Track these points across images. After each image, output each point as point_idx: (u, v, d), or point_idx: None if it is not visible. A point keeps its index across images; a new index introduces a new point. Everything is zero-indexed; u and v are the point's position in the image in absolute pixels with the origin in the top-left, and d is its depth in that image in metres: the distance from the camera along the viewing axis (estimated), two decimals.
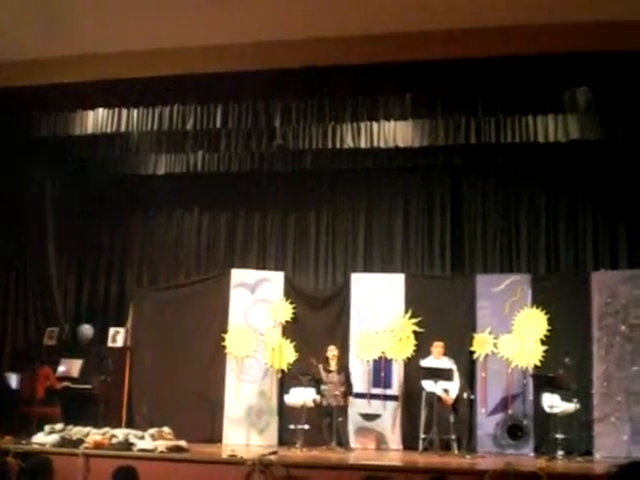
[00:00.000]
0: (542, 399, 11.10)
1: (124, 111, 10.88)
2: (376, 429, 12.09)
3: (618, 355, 11.38)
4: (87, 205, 13.90)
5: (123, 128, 10.98)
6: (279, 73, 9.67)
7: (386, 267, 13.16)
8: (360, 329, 12.46)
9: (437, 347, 11.64)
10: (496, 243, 13.00)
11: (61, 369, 12.30)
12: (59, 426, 10.28)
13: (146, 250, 14.14)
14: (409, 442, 11.80)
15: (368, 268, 13.21)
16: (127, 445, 9.71)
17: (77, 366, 12.34)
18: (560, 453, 10.51)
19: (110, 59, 9.77)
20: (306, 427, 11.16)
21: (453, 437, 11.01)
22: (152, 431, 10.10)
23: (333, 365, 11.77)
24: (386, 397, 12.15)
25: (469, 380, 11.89)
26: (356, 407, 12.05)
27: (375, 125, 11.22)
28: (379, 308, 12.46)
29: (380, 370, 12.24)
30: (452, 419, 11.08)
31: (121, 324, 13.09)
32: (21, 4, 8.74)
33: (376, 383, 12.22)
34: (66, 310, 13.49)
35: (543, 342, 11.80)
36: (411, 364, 12.13)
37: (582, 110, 10.14)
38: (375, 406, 12.15)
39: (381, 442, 12.03)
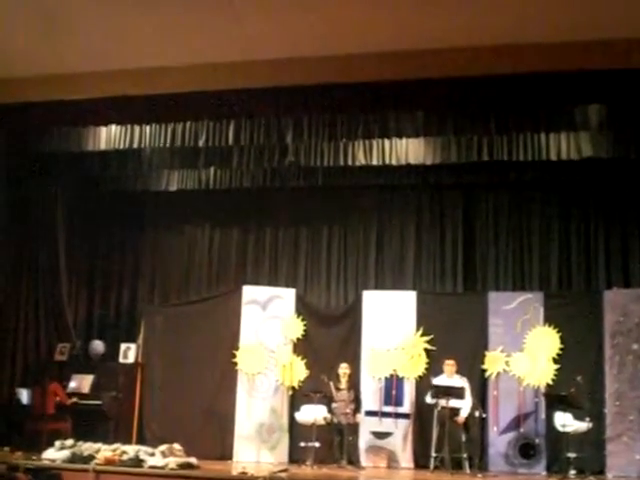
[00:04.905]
0: (554, 418, 11.06)
1: (137, 128, 10.93)
2: (387, 447, 12.02)
3: (630, 374, 11.31)
4: (99, 221, 13.91)
5: (136, 144, 11.03)
6: (291, 90, 9.70)
7: (398, 284, 13.11)
8: (371, 347, 12.41)
9: (448, 365, 11.59)
10: (508, 261, 12.96)
11: (72, 385, 12.28)
12: (70, 442, 10.27)
13: (157, 266, 14.15)
14: (420, 460, 11.73)
15: (380, 285, 13.17)
16: (138, 462, 9.70)
17: (88, 382, 12.31)
18: (572, 472, 10.46)
19: (123, 76, 9.83)
20: (317, 445, 11.13)
21: (465, 456, 10.93)
22: (163, 448, 10.09)
23: (344, 383, 11.74)
24: (397, 415, 12.09)
25: (481, 398, 11.83)
26: (367, 425, 11.99)
27: (387, 142, 11.22)
28: (390, 326, 12.40)
29: (392, 388, 12.19)
30: (464, 438, 11.00)
31: (132, 340, 13.08)
32: (34, 21, 8.79)
33: (387, 401, 12.17)
34: (77, 326, 13.47)
35: (555, 360, 11.74)
36: (423, 382, 12.05)
37: (595, 128, 10.13)
38: (386, 424, 12.08)
39: (392, 460, 11.96)
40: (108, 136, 11.09)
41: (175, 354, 12.71)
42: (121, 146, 11.05)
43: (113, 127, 11.00)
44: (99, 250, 14.07)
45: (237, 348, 12.56)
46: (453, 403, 11.10)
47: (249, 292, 12.91)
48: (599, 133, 10.53)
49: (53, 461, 9.72)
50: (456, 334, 12.19)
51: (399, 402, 12.15)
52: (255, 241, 13.95)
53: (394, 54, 9.06)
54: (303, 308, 13.00)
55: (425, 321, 12.32)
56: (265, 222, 13.94)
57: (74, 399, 11.95)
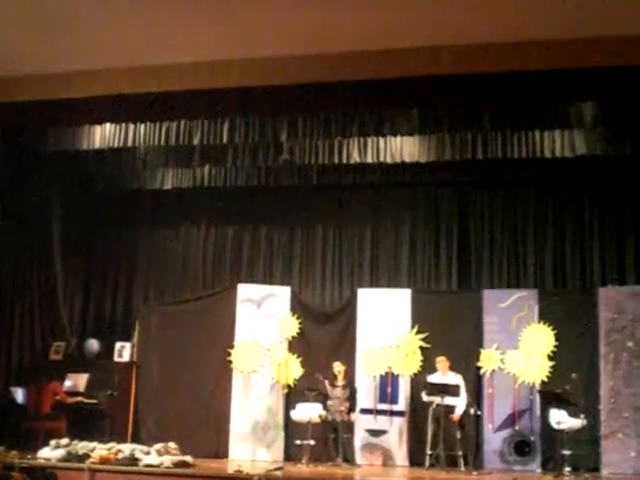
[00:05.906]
0: (549, 415, 11.04)
1: (131, 126, 10.91)
2: (382, 445, 12.02)
3: (625, 371, 11.34)
4: (94, 220, 13.89)
5: (130, 143, 11.01)
6: (285, 88, 9.68)
7: (392, 282, 13.13)
8: (366, 344, 12.41)
9: (440, 362, 11.60)
10: (503, 258, 12.98)
11: (67, 384, 12.26)
12: (65, 441, 10.24)
13: (152, 265, 14.12)
14: (415, 458, 11.74)
15: (374, 283, 13.19)
16: (133, 460, 9.68)
17: (83, 381, 12.31)
18: (567, 469, 10.43)
19: (117, 74, 9.80)
20: (312, 442, 11.15)
21: (460, 453, 10.93)
22: (158, 446, 10.07)
23: (340, 380, 11.74)
24: (392, 413, 12.10)
25: (476, 396, 11.84)
26: (362, 423, 12.01)
27: (382, 140, 11.25)
28: (385, 323, 12.41)
29: (386, 386, 12.20)
30: (459, 435, 11.01)
31: (127, 339, 13.07)
32: (29, 19, 8.77)
33: (382, 399, 12.18)
34: (72, 325, 13.46)
35: (550, 358, 11.76)
36: (418, 380, 12.08)
37: (589, 125, 10.15)
38: (381, 422, 12.09)
39: (387, 458, 11.97)
40: (103, 135, 11.07)
41: (170, 353, 12.70)
42: (116, 144, 11.03)
43: (108, 125, 10.97)
44: (94, 248, 14.04)
45: (232, 346, 12.56)
46: (448, 401, 11.09)
47: (244, 290, 12.91)
48: (593, 131, 10.56)
49: (48, 460, 9.69)
50: (451, 332, 12.21)
51: (394, 400, 12.16)
52: (250, 239, 13.95)
53: (388, 52, 9.04)
54: (298, 306, 13.00)
55: (420, 319, 12.34)
56: (260, 220, 13.93)
57: (78, 398, 11.93)
